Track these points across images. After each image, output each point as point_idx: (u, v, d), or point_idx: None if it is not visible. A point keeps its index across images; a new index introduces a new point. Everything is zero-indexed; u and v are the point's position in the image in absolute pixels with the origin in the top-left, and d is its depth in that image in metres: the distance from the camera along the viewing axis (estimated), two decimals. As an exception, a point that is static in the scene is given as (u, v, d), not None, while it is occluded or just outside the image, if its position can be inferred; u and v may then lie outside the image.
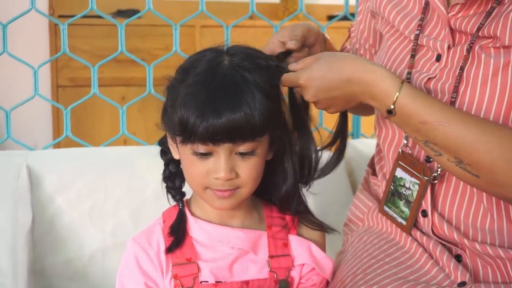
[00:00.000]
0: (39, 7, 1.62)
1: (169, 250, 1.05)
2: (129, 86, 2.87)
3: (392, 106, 1.01)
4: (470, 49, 1.06)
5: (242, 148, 1.00)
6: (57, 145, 1.98)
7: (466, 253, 1.11)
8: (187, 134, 0.99)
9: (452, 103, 1.06)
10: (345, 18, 1.95)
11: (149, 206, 1.49)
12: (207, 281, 1.05)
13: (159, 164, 1.51)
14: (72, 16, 1.67)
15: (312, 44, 1.19)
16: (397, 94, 1.01)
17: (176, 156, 1.09)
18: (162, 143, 1.13)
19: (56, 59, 2.61)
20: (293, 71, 1.08)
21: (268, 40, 1.16)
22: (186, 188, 1.12)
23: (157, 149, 1.62)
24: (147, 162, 1.52)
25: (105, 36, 2.70)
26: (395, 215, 1.17)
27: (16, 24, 1.66)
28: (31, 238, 1.41)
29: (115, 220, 1.47)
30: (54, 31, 2.78)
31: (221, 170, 1.00)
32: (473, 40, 1.06)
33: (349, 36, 1.42)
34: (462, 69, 1.06)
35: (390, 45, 1.20)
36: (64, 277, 1.46)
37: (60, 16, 2.75)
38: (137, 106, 2.37)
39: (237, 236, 1.08)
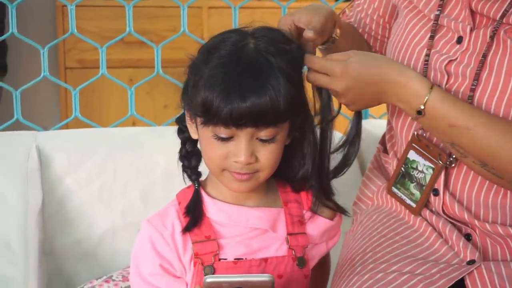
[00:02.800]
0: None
1: (187, 229, 1.05)
2: (137, 68, 2.86)
3: (422, 107, 1.02)
4: (493, 35, 1.06)
5: (264, 134, 1.00)
6: (65, 127, 1.98)
7: (476, 232, 1.11)
8: (210, 116, 0.98)
9: (473, 90, 1.06)
10: (353, -2, 1.93)
11: (158, 187, 1.49)
12: (226, 259, 1.06)
13: (168, 145, 1.51)
14: (80, -3, 1.67)
15: (327, 31, 1.16)
16: (428, 96, 1.02)
17: (194, 135, 1.08)
18: (180, 121, 1.12)
19: (64, 40, 2.60)
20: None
21: (280, 19, 1.13)
22: (201, 168, 1.11)
23: (165, 129, 1.64)
24: (156, 143, 1.52)
25: (113, 18, 2.69)
26: (404, 197, 1.17)
27: (25, 4, 1.66)
28: (41, 218, 1.41)
29: (124, 200, 1.48)
30: (61, 12, 2.78)
31: (242, 154, 1.00)
32: (497, 26, 1.06)
33: (351, 3, 1.39)
34: (485, 55, 1.06)
35: (409, 22, 1.18)
36: (74, 257, 1.46)
37: (68, -3, 2.74)
38: (145, 87, 2.38)
39: (256, 216, 1.08)
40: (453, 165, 1.10)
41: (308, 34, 1.07)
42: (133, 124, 2.19)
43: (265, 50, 1.00)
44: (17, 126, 1.65)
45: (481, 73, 1.06)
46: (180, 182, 1.46)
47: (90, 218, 1.47)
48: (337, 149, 1.13)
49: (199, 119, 1.02)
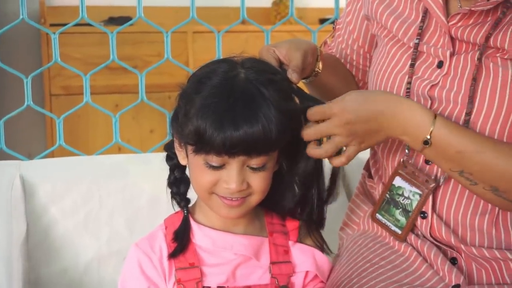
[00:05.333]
0: (30, 16, 1.62)
1: (172, 255, 1.06)
2: (122, 94, 2.87)
3: (428, 137, 1.02)
4: (480, 59, 1.07)
5: (255, 162, 1.01)
6: (51, 154, 1.97)
7: (461, 256, 1.11)
8: (203, 145, 0.99)
9: (469, 114, 1.06)
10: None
11: (144, 214, 1.48)
12: (209, 287, 1.06)
13: (153, 172, 1.51)
14: (64, 25, 1.67)
15: (309, 66, 1.15)
16: (433, 125, 1.01)
17: (183, 162, 1.09)
18: (168, 148, 1.13)
19: (49, 67, 2.60)
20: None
21: (261, 48, 1.13)
22: (189, 194, 1.12)
23: (150, 156, 1.63)
24: (141, 170, 1.52)
25: (97, 44, 2.70)
26: (389, 223, 1.17)
27: (9, 32, 1.66)
28: (26, 248, 1.40)
29: (110, 228, 1.47)
30: (46, 39, 2.78)
31: (233, 181, 1.00)
32: (482, 51, 1.07)
33: (332, 33, 1.40)
34: (475, 80, 1.06)
35: (389, 50, 1.20)
36: (60, 286, 1.45)
37: (52, 25, 2.75)
38: (131, 113, 2.38)
39: (240, 242, 1.08)
40: (441, 185, 1.10)
41: (293, 76, 1.06)
42: (119, 150, 2.19)
43: (256, 80, 1.01)
44: (1, 156, 1.64)
45: (473, 98, 1.06)
46: (166, 209, 1.46)
47: (75, 246, 1.46)
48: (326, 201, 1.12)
49: (190, 147, 1.02)
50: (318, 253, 1.13)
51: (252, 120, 0.97)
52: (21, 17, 1.60)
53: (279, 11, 3.35)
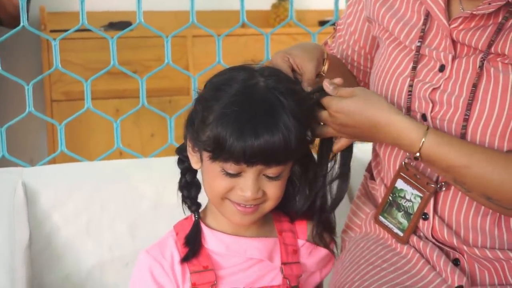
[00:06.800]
0: (30, 22, 1.63)
1: (185, 259, 1.06)
2: (123, 98, 2.87)
3: (417, 154, 1.04)
4: (482, 65, 1.07)
5: (271, 171, 1.01)
6: (52, 161, 1.98)
7: (464, 257, 1.11)
8: (222, 153, 0.99)
9: (466, 120, 1.07)
10: (335, 24, 1.95)
11: (146, 219, 1.48)
12: None
13: (155, 177, 1.52)
14: (64, 31, 1.67)
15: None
16: (423, 141, 1.03)
17: (195, 166, 1.09)
18: (180, 151, 1.13)
19: (50, 73, 2.61)
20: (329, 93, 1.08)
21: (274, 54, 1.14)
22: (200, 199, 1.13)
23: (152, 161, 1.64)
24: (143, 174, 1.52)
25: (98, 49, 2.70)
26: (391, 226, 1.17)
27: (8, 40, 1.66)
28: (28, 254, 1.40)
29: (112, 234, 1.47)
30: (46, 45, 2.78)
31: (249, 190, 1.01)
32: (485, 56, 1.07)
33: (333, 34, 1.41)
34: (475, 85, 1.07)
35: (391, 52, 1.20)
36: (63, 292, 1.45)
37: (52, 31, 2.75)
38: (132, 117, 2.37)
39: (254, 246, 1.09)
40: (443, 189, 1.11)
41: (308, 90, 1.09)
42: (120, 154, 2.19)
43: (276, 90, 1.01)
44: (3, 163, 1.65)
45: (473, 103, 1.07)
46: (168, 213, 1.47)
47: (78, 252, 1.46)
48: (331, 181, 1.14)
49: (206, 154, 1.02)
50: (323, 251, 1.15)
51: (273, 130, 0.98)
52: (21, 23, 1.60)
53: (278, 14, 3.35)
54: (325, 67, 1.18)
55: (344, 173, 1.13)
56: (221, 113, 0.99)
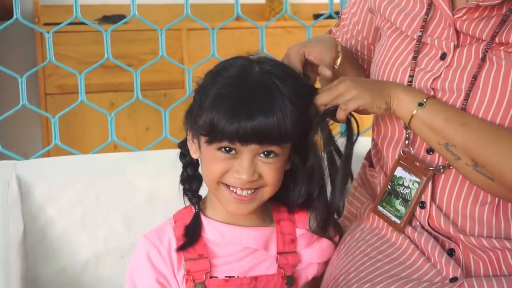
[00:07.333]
0: (23, 15, 1.62)
1: (182, 248, 1.07)
2: (117, 92, 2.86)
3: (424, 100, 1.07)
4: (485, 54, 1.08)
5: (266, 150, 1.02)
6: (47, 154, 1.97)
7: (459, 247, 1.12)
8: (216, 134, 1.00)
9: (467, 104, 1.08)
10: (330, 17, 1.95)
11: (141, 212, 1.49)
12: (217, 277, 1.07)
13: (150, 170, 1.52)
14: (58, 24, 1.67)
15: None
16: (428, 96, 1.08)
17: (194, 155, 1.10)
18: (182, 145, 1.14)
19: (44, 66, 2.60)
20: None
21: (290, 48, 1.16)
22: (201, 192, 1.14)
23: (146, 154, 1.63)
24: (138, 168, 1.52)
25: (92, 42, 2.69)
26: (389, 214, 1.18)
27: (2, 33, 1.65)
28: (23, 248, 1.40)
29: (107, 227, 1.47)
30: (40, 38, 2.77)
31: (244, 172, 1.01)
32: (488, 45, 1.08)
33: (338, 23, 1.42)
34: (476, 74, 1.08)
35: (392, 42, 1.20)
36: (58, 286, 1.45)
37: (46, 24, 2.74)
38: (126, 111, 2.37)
39: (249, 235, 1.10)
40: (442, 171, 1.11)
41: (326, 72, 1.11)
42: (115, 148, 2.18)
43: (271, 74, 1.03)
44: (-2, 156, 1.64)
45: (474, 89, 1.08)
46: (163, 206, 1.47)
47: (73, 245, 1.46)
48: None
49: (203, 138, 1.03)
50: (325, 243, 1.15)
51: (267, 111, 0.99)
52: (14, 16, 1.59)
53: (273, 7, 3.35)
54: (338, 61, 1.19)
55: (348, 154, 1.11)
56: (216, 94, 1.01)
